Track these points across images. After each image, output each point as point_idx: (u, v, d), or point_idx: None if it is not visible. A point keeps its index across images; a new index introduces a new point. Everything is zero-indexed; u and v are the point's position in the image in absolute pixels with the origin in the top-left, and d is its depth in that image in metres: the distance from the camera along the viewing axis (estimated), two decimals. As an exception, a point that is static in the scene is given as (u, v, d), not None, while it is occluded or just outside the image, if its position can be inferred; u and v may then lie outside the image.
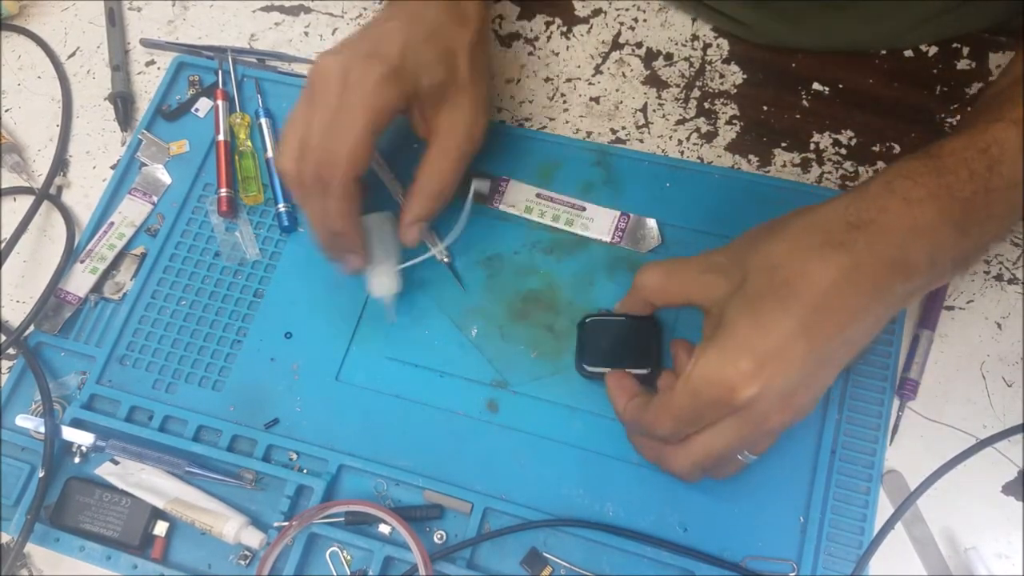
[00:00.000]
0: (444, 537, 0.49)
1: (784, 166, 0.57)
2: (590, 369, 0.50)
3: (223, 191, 0.59)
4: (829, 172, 0.56)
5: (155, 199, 0.60)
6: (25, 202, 0.62)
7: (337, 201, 0.47)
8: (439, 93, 0.50)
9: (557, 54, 0.62)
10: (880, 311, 0.39)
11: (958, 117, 0.56)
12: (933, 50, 0.58)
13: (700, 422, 0.41)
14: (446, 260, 0.55)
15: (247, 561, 0.50)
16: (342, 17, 0.66)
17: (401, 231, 0.52)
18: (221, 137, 0.61)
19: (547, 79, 0.61)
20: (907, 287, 0.39)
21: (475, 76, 0.51)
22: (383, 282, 0.52)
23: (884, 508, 0.47)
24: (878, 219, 0.38)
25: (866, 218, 0.38)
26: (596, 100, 0.60)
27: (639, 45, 0.62)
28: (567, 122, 0.60)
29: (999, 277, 0.52)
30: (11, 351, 0.56)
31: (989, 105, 0.43)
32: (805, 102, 0.58)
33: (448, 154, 0.51)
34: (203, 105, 0.63)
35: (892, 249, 0.38)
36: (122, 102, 0.64)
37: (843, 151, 0.56)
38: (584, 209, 0.55)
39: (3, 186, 0.63)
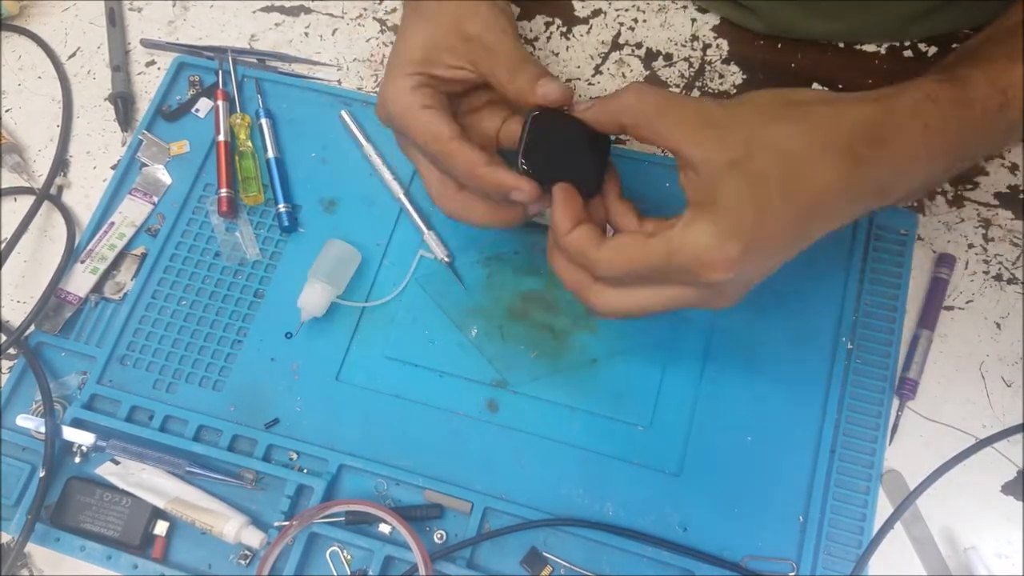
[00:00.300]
0: (444, 537, 0.49)
1: (784, 166, 0.57)
2: (528, 170, 0.43)
3: (223, 191, 0.59)
4: (829, 172, 0.56)
5: (155, 199, 0.60)
6: (25, 202, 0.62)
7: (457, 159, 0.45)
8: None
9: (557, 54, 0.62)
10: (845, 220, 0.40)
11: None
12: (932, 50, 0.58)
13: (652, 280, 0.40)
14: (447, 260, 0.55)
15: (247, 561, 0.50)
16: (342, 17, 0.66)
17: (535, 92, 0.44)
18: (221, 137, 0.61)
19: (547, 79, 0.61)
20: (878, 205, 0.41)
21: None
22: (314, 300, 0.53)
23: (884, 508, 0.47)
24: (895, 141, 0.39)
25: (886, 136, 0.39)
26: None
27: (639, 45, 0.62)
28: (567, 122, 0.60)
29: (999, 277, 0.53)
30: (12, 351, 0.56)
31: (1012, 36, 0.42)
32: (805, 102, 0.58)
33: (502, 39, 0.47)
34: (203, 105, 0.63)
35: (890, 174, 0.39)
36: (122, 102, 0.64)
37: (843, 151, 0.56)
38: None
39: (3, 186, 0.63)
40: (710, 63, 0.60)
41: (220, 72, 0.63)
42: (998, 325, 0.51)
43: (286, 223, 0.58)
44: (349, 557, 0.50)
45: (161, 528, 0.51)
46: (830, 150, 0.38)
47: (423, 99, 0.47)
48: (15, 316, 0.59)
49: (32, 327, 0.56)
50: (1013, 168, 0.55)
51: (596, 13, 0.63)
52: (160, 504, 0.50)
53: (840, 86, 0.58)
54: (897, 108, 0.39)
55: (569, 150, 0.44)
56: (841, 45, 0.59)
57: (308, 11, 0.67)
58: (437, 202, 0.49)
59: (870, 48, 0.59)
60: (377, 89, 0.62)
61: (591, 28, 0.63)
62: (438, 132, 0.45)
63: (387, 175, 0.58)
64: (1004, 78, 0.40)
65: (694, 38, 0.61)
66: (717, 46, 0.61)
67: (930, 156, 0.40)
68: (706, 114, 0.40)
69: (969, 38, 0.57)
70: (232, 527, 0.49)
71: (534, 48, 0.62)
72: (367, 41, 0.65)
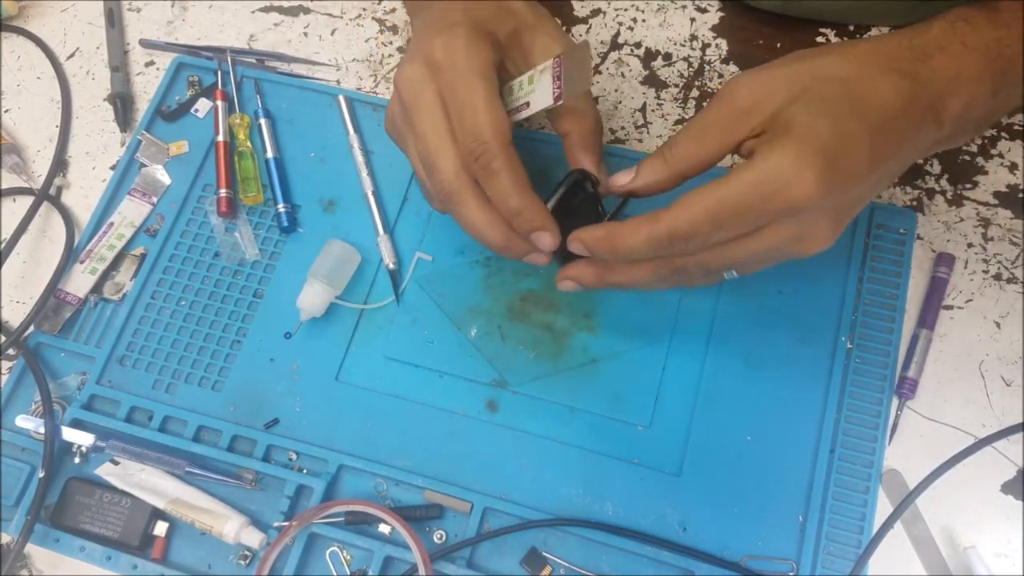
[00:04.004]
0: (444, 537, 0.49)
1: (783, 166, 0.57)
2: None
3: (222, 191, 0.59)
4: (828, 172, 0.56)
5: (154, 200, 0.60)
6: (25, 203, 0.62)
7: (508, 174, 0.41)
8: (516, 40, 0.46)
9: (556, 54, 0.62)
10: (911, 152, 0.40)
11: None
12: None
13: (737, 227, 0.38)
14: (392, 267, 0.55)
15: (247, 561, 0.50)
16: (341, 17, 0.66)
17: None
18: (220, 138, 0.61)
19: (546, 79, 0.61)
20: (936, 134, 0.40)
21: (538, 13, 0.47)
22: (314, 300, 0.53)
23: (883, 507, 0.47)
24: (937, 57, 0.39)
25: (929, 53, 0.39)
26: (595, 100, 0.60)
27: (638, 45, 0.62)
28: (566, 122, 0.60)
29: (998, 276, 0.53)
30: (11, 351, 0.56)
31: None
32: (804, 102, 0.58)
33: None
34: (202, 106, 0.63)
35: (940, 88, 0.39)
36: (121, 103, 0.64)
37: (842, 151, 0.56)
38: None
39: (3, 187, 0.63)
40: (709, 63, 0.60)
41: (219, 72, 0.63)
42: (998, 324, 0.51)
43: (285, 223, 0.58)
44: (349, 557, 0.50)
45: (161, 528, 0.51)
46: (882, 70, 0.38)
47: (485, 65, 0.41)
48: (14, 316, 0.59)
49: (31, 327, 0.56)
50: (1012, 167, 0.55)
51: (595, 13, 0.63)
52: (160, 504, 0.50)
53: (839, 85, 0.58)
54: (932, 30, 0.40)
55: (579, 215, 0.45)
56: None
57: (307, 11, 0.67)
58: (441, 197, 0.44)
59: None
60: (375, 91, 0.62)
61: (590, 27, 0.63)
62: (499, 122, 0.41)
63: (362, 169, 0.58)
64: None
65: (693, 37, 0.61)
66: (716, 45, 0.61)
67: (977, 74, 0.40)
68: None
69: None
70: (232, 527, 0.49)
71: (533, 48, 0.62)
72: (366, 41, 0.65)
